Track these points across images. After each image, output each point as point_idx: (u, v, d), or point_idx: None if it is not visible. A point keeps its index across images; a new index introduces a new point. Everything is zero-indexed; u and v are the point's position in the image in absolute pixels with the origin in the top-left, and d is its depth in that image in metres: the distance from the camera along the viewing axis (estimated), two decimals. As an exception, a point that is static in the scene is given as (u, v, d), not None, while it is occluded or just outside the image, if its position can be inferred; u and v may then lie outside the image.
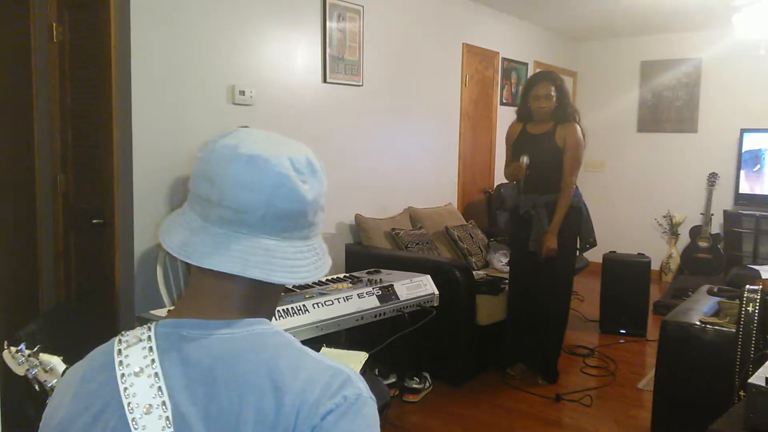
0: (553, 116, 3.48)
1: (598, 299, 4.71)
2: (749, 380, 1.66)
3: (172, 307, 1.89)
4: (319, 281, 2.69)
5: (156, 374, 0.72)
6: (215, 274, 0.76)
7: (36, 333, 2.13)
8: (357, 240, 4.04)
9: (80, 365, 0.80)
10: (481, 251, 4.58)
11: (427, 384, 3.47)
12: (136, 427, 0.70)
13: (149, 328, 0.77)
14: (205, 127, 3.07)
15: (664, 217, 6.45)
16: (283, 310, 2.16)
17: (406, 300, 2.57)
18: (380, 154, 4.32)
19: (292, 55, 3.58)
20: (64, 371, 1.29)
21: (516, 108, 3.75)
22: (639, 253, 4.75)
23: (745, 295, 2.21)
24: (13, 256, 3.23)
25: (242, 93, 3.24)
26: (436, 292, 2.71)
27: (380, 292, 2.50)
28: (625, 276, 4.54)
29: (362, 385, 0.75)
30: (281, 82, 3.51)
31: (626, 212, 6.65)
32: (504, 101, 5.68)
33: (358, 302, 2.39)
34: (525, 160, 3.45)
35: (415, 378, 3.40)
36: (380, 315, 2.47)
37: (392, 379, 3.38)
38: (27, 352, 1.31)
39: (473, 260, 4.43)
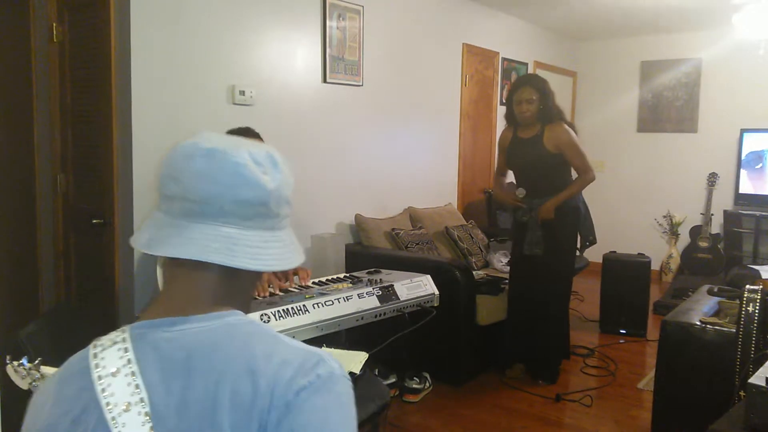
0: (538, 119, 3.49)
1: (598, 299, 4.71)
2: (749, 380, 1.65)
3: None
4: (319, 281, 2.69)
5: (132, 373, 0.74)
6: (185, 268, 0.78)
7: (36, 333, 2.13)
8: (357, 240, 4.04)
9: (57, 373, 0.81)
10: (481, 251, 4.58)
11: (427, 384, 3.47)
12: (116, 425, 0.71)
13: (123, 331, 0.79)
14: (205, 127, 3.06)
15: (664, 217, 6.45)
16: (283, 310, 2.16)
17: (406, 300, 2.57)
18: (380, 154, 4.32)
19: (292, 55, 3.58)
20: None
21: (504, 114, 3.77)
22: (639, 253, 4.75)
23: (745, 295, 2.21)
24: (13, 256, 3.23)
25: (242, 93, 3.24)
26: (436, 292, 2.70)
27: (380, 292, 2.49)
28: (625, 276, 4.54)
29: (335, 365, 0.77)
30: (281, 82, 3.51)
31: (626, 212, 6.65)
32: (504, 101, 5.67)
33: (358, 302, 2.39)
34: (521, 192, 3.57)
35: (415, 378, 3.40)
36: (380, 315, 2.46)
37: (392, 379, 3.38)
38: (28, 365, 1.33)
39: (473, 260, 4.43)
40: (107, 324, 2.90)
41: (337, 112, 3.92)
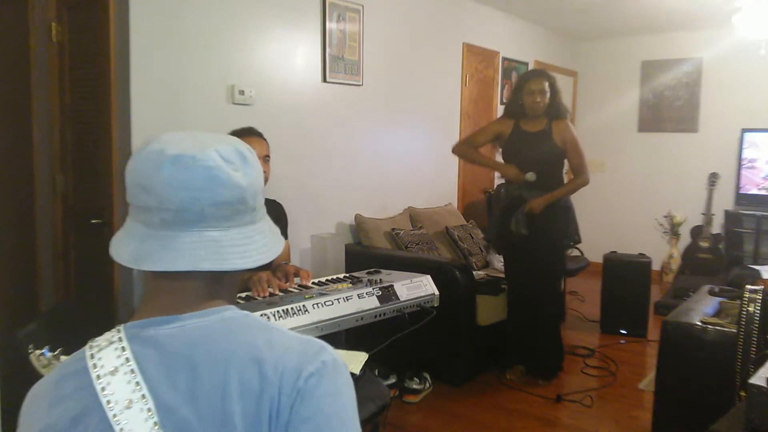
0: (546, 113, 3.46)
1: (598, 299, 4.70)
2: (750, 380, 1.65)
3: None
4: (319, 281, 2.68)
5: (132, 370, 0.74)
6: (171, 274, 0.78)
7: (35, 333, 2.13)
8: (357, 240, 4.03)
9: (51, 375, 0.80)
10: (481, 251, 4.58)
11: (427, 384, 3.46)
12: (119, 422, 0.71)
13: (118, 330, 0.79)
14: (205, 127, 3.06)
15: (665, 217, 6.45)
16: (282, 310, 2.15)
17: (406, 300, 2.56)
18: (380, 153, 4.31)
19: (292, 55, 3.58)
20: None
21: (505, 105, 3.70)
22: (640, 254, 4.74)
23: (746, 295, 2.21)
24: (12, 256, 3.22)
25: (242, 93, 3.24)
26: (437, 292, 2.69)
27: (380, 293, 2.48)
28: (626, 276, 4.53)
29: (335, 354, 0.80)
30: (281, 82, 3.51)
31: (627, 212, 6.64)
32: (504, 101, 5.66)
33: (358, 302, 2.38)
34: (531, 176, 3.43)
35: (415, 378, 3.40)
36: (380, 315, 2.46)
37: (392, 380, 3.38)
38: (50, 355, 1.37)
39: (473, 260, 4.42)
40: (106, 324, 2.90)
41: (336, 112, 3.91)
